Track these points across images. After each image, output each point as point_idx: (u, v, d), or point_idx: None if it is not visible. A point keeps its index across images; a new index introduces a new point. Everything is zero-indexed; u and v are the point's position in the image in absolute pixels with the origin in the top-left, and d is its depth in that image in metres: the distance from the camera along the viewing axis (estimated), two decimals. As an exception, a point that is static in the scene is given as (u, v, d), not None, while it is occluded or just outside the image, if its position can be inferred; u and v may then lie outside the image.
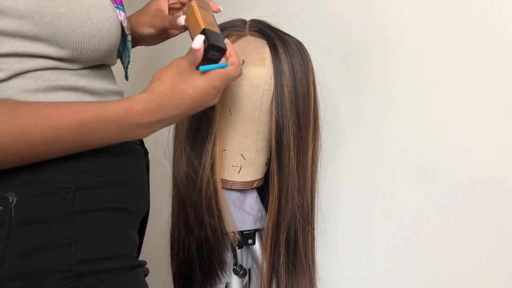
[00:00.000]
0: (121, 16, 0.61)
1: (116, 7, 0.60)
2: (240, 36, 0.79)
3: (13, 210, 0.48)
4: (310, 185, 0.82)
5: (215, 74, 0.59)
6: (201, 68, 0.58)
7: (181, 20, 0.67)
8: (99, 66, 0.59)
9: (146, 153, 0.69)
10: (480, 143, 0.79)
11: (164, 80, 0.55)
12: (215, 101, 0.61)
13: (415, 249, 0.89)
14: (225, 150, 0.81)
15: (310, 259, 0.85)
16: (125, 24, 0.63)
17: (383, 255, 0.95)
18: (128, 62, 0.69)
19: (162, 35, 0.77)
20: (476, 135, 0.79)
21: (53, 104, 0.50)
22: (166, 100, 0.54)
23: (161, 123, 0.56)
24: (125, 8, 0.64)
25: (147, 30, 0.74)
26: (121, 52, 0.68)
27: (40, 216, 0.49)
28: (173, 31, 0.76)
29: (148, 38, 0.77)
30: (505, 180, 0.76)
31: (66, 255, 0.50)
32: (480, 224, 0.80)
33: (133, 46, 0.74)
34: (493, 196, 0.78)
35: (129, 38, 0.65)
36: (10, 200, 0.48)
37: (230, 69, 0.61)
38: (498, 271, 0.78)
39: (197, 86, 0.57)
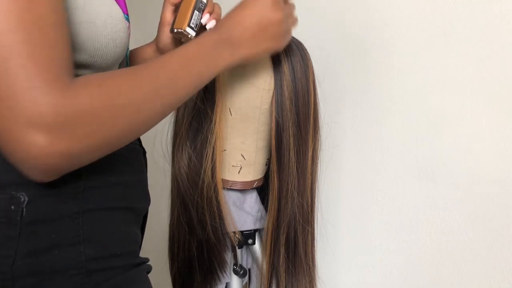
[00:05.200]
0: (126, 25, 0.62)
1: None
2: (240, 36, 0.79)
3: (24, 210, 0.49)
4: (310, 185, 0.82)
5: None
6: None
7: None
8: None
9: (144, 152, 0.70)
10: (480, 143, 0.79)
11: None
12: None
13: (415, 249, 0.89)
14: (225, 150, 0.81)
15: (310, 259, 0.85)
16: (127, 33, 0.64)
17: (383, 255, 0.95)
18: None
19: None
20: (476, 135, 0.79)
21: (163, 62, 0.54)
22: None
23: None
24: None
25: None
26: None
27: (51, 215, 0.50)
28: None
29: None
30: (505, 180, 0.76)
31: (76, 252, 0.51)
32: (480, 224, 0.80)
33: None
34: (493, 196, 0.78)
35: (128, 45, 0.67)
36: (22, 199, 0.49)
37: None
38: (498, 271, 0.78)
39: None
